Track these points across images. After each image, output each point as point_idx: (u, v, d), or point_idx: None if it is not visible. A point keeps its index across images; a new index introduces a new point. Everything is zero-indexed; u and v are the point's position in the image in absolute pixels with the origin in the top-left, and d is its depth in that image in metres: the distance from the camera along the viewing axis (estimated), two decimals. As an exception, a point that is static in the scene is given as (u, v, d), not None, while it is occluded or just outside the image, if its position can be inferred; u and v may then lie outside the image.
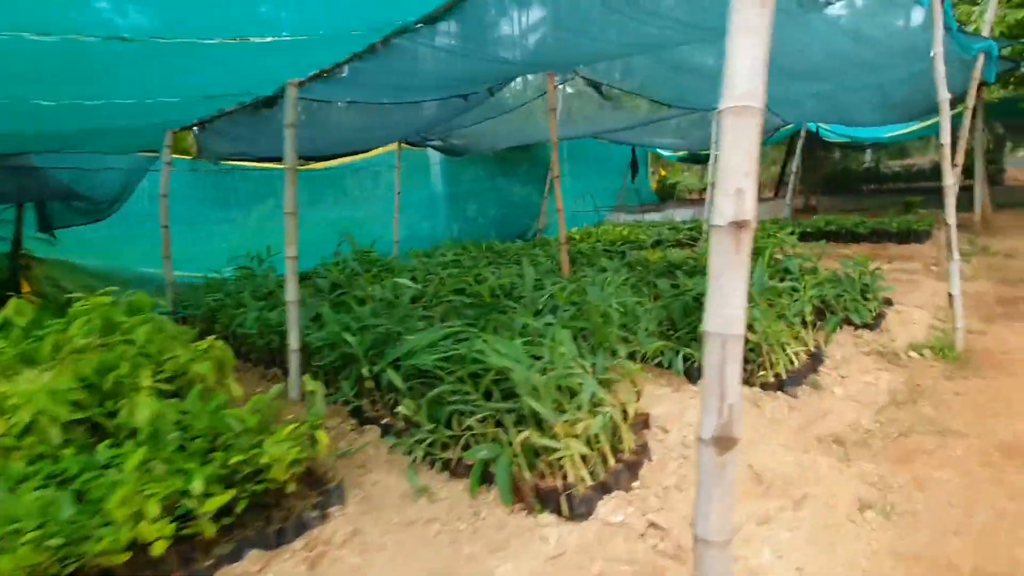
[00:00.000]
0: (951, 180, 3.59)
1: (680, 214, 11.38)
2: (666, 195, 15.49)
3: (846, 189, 14.14)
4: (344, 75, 3.31)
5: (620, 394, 2.59)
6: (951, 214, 3.62)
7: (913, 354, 3.78)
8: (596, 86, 5.81)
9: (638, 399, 2.75)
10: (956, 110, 7.91)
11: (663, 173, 15.97)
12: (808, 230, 8.48)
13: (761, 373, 3.10)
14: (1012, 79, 8.95)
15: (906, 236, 7.56)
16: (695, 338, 3.43)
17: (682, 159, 14.24)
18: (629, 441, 2.40)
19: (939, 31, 3.38)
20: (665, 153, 14.05)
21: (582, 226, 11.36)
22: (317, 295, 4.41)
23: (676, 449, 2.63)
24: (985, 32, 5.46)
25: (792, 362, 3.20)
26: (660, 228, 9.58)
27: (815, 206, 12.68)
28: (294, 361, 3.49)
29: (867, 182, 14.79)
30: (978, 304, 4.87)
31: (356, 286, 4.26)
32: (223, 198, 7.36)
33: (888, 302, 4.65)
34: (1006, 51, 6.85)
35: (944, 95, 3.50)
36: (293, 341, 3.45)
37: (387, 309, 3.52)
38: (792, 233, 8.35)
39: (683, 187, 15.96)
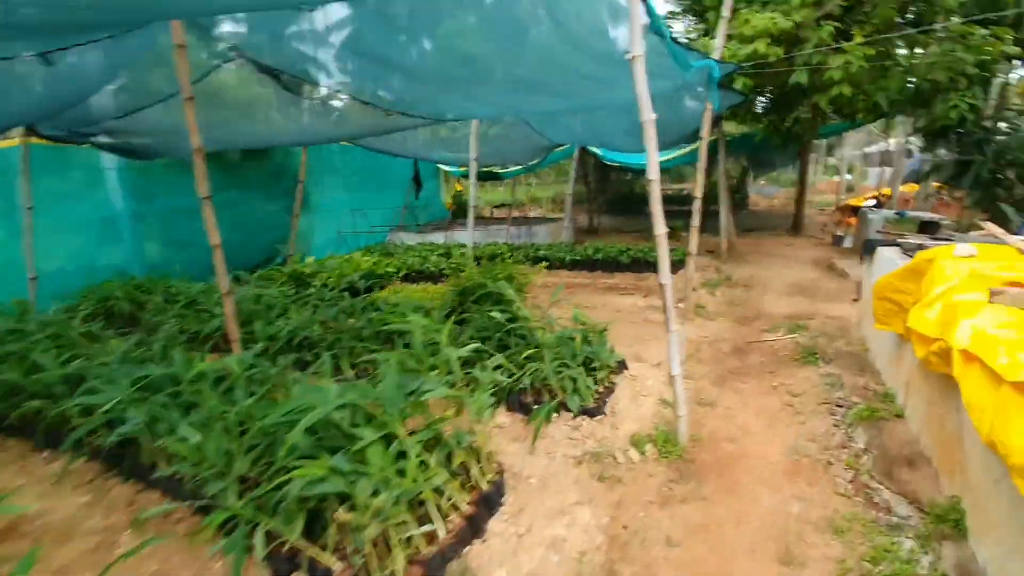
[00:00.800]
0: (663, 229, 2.72)
1: (462, 236, 10.32)
2: (462, 212, 14.51)
3: (632, 211, 14.66)
4: None
5: None
6: (665, 273, 2.75)
7: (633, 453, 2.85)
8: (273, 74, 4.18)
9: None
10: (695, 145, 8.12)
11: (458, 188, 14.95)
12: (578, 258, 7.94)
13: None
14: (747, 114, 9.59)
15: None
16: (283, 499, 1.97)
17: (466, 175, 13.36)
18: None
19: (636, 24, 2.46)
20: (446, 168, 13.02)
21: (351, 250, 9.64)
22: None
23: None
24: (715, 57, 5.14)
25: (433, 538, 1.92)
26: (427, 254, 8.31)
27: (598, 228, 12.77)
28: None
29: (647, 203, 15.55)
30: (714, 356, 4.35)
31: None
32: None
33: (622, 365, 3.83)
34: (738, 84, 6.96)
35: (648, 115, 2.61)
36: None
37: None
38: (566, 261, 7.82)
39: (483, 204, 15.17)
